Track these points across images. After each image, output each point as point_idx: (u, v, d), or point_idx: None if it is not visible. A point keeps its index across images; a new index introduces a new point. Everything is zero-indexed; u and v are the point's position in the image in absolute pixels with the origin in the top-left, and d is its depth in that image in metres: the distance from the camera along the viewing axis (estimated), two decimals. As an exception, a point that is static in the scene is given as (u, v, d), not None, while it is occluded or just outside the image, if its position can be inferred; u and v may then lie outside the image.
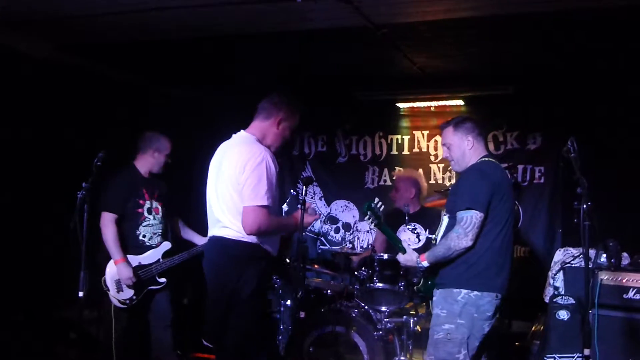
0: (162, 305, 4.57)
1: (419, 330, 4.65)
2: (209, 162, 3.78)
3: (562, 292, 4.33)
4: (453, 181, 6.21)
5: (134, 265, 4.42)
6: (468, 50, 5.13)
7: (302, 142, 6.92)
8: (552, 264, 4.64)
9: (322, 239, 6.79)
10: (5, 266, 4.80)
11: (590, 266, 3.32)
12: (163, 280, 4.52)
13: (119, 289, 4.41)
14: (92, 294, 4.25)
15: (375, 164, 6.71)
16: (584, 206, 3.10)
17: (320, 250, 6.71)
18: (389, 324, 4.63)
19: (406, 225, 5.11)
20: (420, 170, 6.11)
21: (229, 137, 3.80)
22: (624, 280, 4.00)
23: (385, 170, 6.66)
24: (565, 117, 5.73)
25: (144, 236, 4.51)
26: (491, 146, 6.06)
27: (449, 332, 3.44)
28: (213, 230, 3.69)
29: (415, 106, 6.59)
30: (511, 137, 6.17)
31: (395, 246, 3.80)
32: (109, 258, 4.40)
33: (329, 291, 5.10)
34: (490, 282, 3.46)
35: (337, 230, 6.82)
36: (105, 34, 4.84)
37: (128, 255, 4.42)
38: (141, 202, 4.51)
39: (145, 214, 4.52)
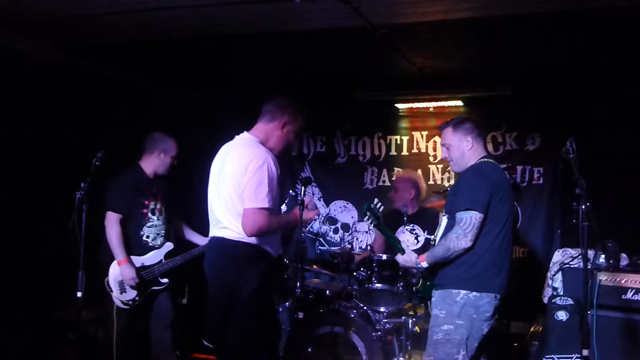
0: (163, 306, 4.57)
1: (418, 330, 4.64)
2: (209, 162, 3.79)
3: (561, 293, 4.34)
4: (452, 182, 6.21)
5: (137, 266, 4.42)
6: (467, 51, 5.14)
7: (301, 142, 6.92)
8: (551, 264, 4.64)
9: (321, 239, 6.78)
10: (5, 266, 4.79)
11: (589, 267, 3.33)
12: (165, 280, 4.52)
13: (122, 290, 4.41)
14: (93, 294, 4.25)
15: (374, 165, 6.71)
16: (583, 207, 3.11)
17: (319, 251, 6.71)
18: (387, 325, 4.63)
19: (405, 226, 5.11)
20: (419, 171, 6.12)
21: (228, 137, 3.80)
22: (623, 281, 4.00)
23: (384, 171, 6.67)
24: (564, 118, 5.73)
25: (147, 237, 4.51)
26: (490, 147, 6.07)
27: (447, 333, 3.44)
28: (214, 231, 3.70)
29: (414, 107, 6.59)
30: (510, 138, 6.18)
31: (394, 247, 3.80)
32: (111, 259, 4.39)
33: (327, 292, 5.10)
34: (489, 283, 3.46)
35: (335, 231, 6.82)
36: (105, 34, 4.85)
37: (131, 256, 4.42)
38: (146, 202, 4.50)
39: (150, 214, 4.52)
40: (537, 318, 4.82)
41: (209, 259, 3.69)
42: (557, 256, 4.63)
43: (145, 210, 4.50)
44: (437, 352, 3.48)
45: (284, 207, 5.05)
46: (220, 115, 6.40)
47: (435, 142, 6.45)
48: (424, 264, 3.58)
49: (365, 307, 4.71)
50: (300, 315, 4.58)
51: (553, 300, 4.22)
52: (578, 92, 5.73)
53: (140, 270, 4.42)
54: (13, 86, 4.96)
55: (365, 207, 3.73)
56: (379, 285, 4.60)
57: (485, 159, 3.63)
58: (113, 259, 4.39)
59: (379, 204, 3.79)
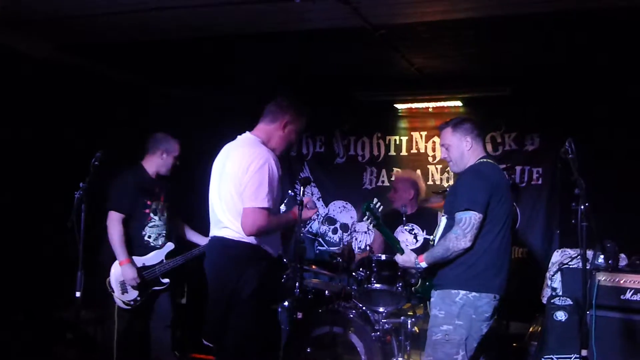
0: (163, 306, 4.57)
1: (417, 331, 4.65)
2: (209, 162, 3.80)
3: (560, 293, 4.34)
4: (451, 182, 6.21)
5: (138, 266, 4.42)
6: (466, 51, 5.14)
7: (300, 142, 6.92)
8: (550, 265, 4.64)
9: (320, 239, 6.79)
10: (5, 266, 4.79)
11: (587, 267, 3.33)
12: (166, 280, 4.53)
13: (124, 291, 4.41)
14: (93, 294, 4.25)
15: (373, 165, 6.72)
16: (582, 207, 3.11)
17: (318, 251, 6.72)
18: (386, 325, 4.63)
19: (404, 226, 5.12)
20: (418, 171, 6.12)
21: (228, 136, 3.81)
22: (622, 281, 4.01)
23: (383, 171, 6.67)
24: (563, 118, 5.74)
25: (149, 237, 4.51)
26: (489, 147, 6.07)
27: (447, 333, 3.44)
28: (214, 231, 3.71)
29: (413, 107, 6.60)
30: (509, 138, 6.18)
31: (393, 247, 3.80)
32: (113, 259, 4.39)
33: (326, 292, 5.10)
34: (488, 283, 3.46)
35: (334, 231, 6.82)
36: (105, 34, 4.85)
37: (132, 256, 4.42)
38: (148, 202, 4.50)
39: (152, 214, 4.52)
40: (536, 318, 4.82)
41: (209, 259, 3.70)
42: (556, 256, 4.63)
43: (147, 211, 4.49)
44: (436, 352, 3.48)
45: (282, 207, 5.06)
46: (220, 115, 6.41)
47: (434, 142, 6.46)
48: (423, 264, 3.58)
49: (364, 307, 4.71)
50: (299, 315, 4.58)
51: (552, 301, 4.23)
52: (577, 93, 5.74)
53: (141, 270, 4.42)
54: (13, 86, 4.96)
55: (365, 207, 3.73)
56: (378, 285, 4.60)
57: (485, 160, 3.64)
58: (114, 259, 4.38)
59: (378, 203, 3.80)
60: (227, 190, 3.58)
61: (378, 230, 3.88)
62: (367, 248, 5.11)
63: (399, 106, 6.61)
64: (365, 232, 6.61)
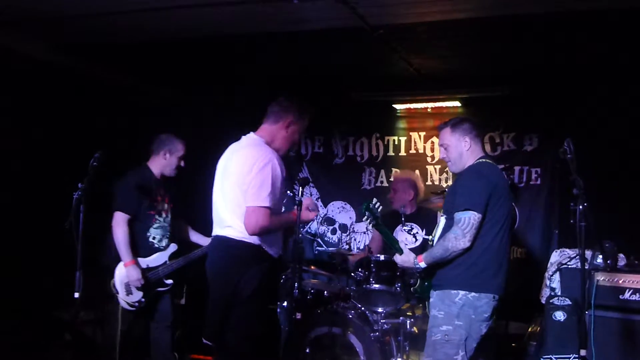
0: (165, 307, 4.57)
1: (416, 331, 4.64)
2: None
3: (559, 293, 4.34)
4: (450, 182, 6.21)
5: (142, 267, 4.41)
6: (464, 52, 5.15)
7: (299, 142, 6.91)
8: (549, 265, 4.65)
9: (319, 240, 6.78)
10: (4, 266, 4.78)
11: (586, 267, 3.33)
12: (170, 281, 4.52)
13: (129, 292, 4.40)
14: (93, 295, 4.24)
15: (372, 165, 6.71)
16: (580, 207, 3.11)
17: (316, 252, 6.72)
18: (385, 325, 4.63)
19: (403, 226, 5.12)
20: (417, 172, 6.12)
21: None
22: (620, 281, 4.01)
23: (382, 172, 6.66)
24: (561, 118, 5.74)
25: (153, 238, 4.50)
26: (487, 147, 6.07)
27: (446, 334, 3.44)
28: (217, 230, 3.74)
29: (411, 107, 6.60)
30: (507, 139, 6.18)
31: (392, 247, 3.80)
32: (117, 261, 4.38)
33: (325, 292, 5.10)
34: (487, 283, 3.46)
35: (333, 232, 6.82)
36: (104, 35, 4.85)
37: (137, 258, 4.41)
38: (153, 203, 4.49)
39: (156, 216, 4.51)
40: (535, 318, 4.82)
41: (211, 258, 3.73)
42: (555, 256, 4.63)
43: (152, 212, 4.49)
44: (436, 352, 3.47)
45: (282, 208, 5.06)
46: (220, 116, 6.41)
47: (433, 142, 6.46)
48: (422, 264, 3.58)
49: (363, 308, 4.71)
50: (298, 315, 4.58)
51: (551, 301, 4.23)
52: (576, 93, 5.74)
53: (145, 271, 4.42)
54: (12, 86, 4.95)
55: (364, 207, 3.73)
56: (376, 285, 4.60)
57: (483, 160, 3.63)
58: (118, 260, 4.38)
59: (378, 203, 3.79)
60: (231, 190, 3.61)
61: (377, 230, 3.88)
62: (366, 249, 5.12)
63: (397, 106, 6.61)
64: (364, 233, 6.61)
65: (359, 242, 6.64)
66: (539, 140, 6.06)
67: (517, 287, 4.05)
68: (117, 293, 4.41)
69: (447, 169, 6.03)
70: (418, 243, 5.05)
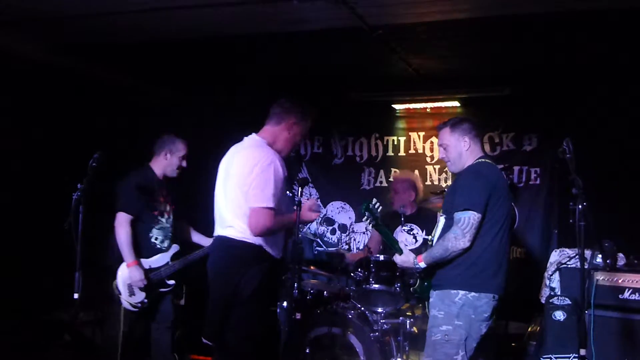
0: (166, 307, 4.57)
1: (416, 331, 4.64)
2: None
3: (558, 293, 4.35)
4: (449, 182, 6.21)
5: (145, 268, 4.41)
6: (464, 52, 5.15)
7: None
8: (548, 264, 4.65)
9: (318, 240, 6.78)
10: (3, 267, 4.78)
11: (586, 267, 3.33)
12: (172, 282, 4.52)
13: (131, 293, 4.39)
14: (93, 296, 4.23)
15: (371, 165, 6.71)
16: (579, 206, 3.11)
17: (316, 252, 6.71)
18: (385, 325, 4.63)
19: (402, 227, 5.12)
20: (416, 172, 6.12)
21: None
22: (620, 281, 4.01)
23: (381, 172, 6.66)
24: (561, 118, 5.74)
25: (155, 239, 4.50)
26: (487, 147, 6.07)
27: (446, 334, 3.44)
28: (218, 230, 3.76)
29: (411, 107, 6.60)
30: (507, 139, 6.18)
31: (392, 247, 3.80)
32: (119, 261, 4.38)
33: (325, 292, 5.10)
34: (487, 283, 3.46)
35: (333, 232, 6.81)
36: (104, 35, 4.84)
37: (139, 259, 4.41)
38: (156, 204, 4.49)
39: (159, 216, 4.51)
40: (535, 318, 4.82)
41: (212, 258, 3.75)
42: (555, 256, 4.63)
43: (155, 212, 4.48)
44: (436, 352, 3.47)
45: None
46: (219, 116, 6.40)
47: (432, 142, 6.46)
48: (422, 264, 3.58)
49: (362, 308, 4.71)
50: (298, 316, 4.57)
51: (551, 300, 4.23)
52: (575, 92, 5.74)
53: (148, 272, 4.41)
54: (12, 87, 4.95)
55: (364, 207, 3.73)
56: (376, 285, 4.60)
57: (483, 160, 3.64)
58: (121, 261, 4.37)
59: (378, 204, 3.80)
60: (232, 190, 3.63)
61: (377, 230, 3.88)
62: (365, 249, 5.12)
63: (396, 106, 6.61)
64: (364, 233, 6.60)
65: (358, 242, 6.64)
66: (538, 140, 6.06)
67: (517, 287, 4.05)
68: (120, 294, 4.41)
69: (446, 169, 6.03)
70: (418, 244, 5.05)
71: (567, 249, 4.60)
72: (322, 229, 6.83)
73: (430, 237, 3.78)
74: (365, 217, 3.74)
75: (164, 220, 4.53)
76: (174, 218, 4.63)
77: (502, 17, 4.20)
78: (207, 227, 4.20)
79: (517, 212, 5.91)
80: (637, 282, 3.97)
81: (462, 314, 3.43)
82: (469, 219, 3.38)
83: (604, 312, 3.98)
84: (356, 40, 4.76)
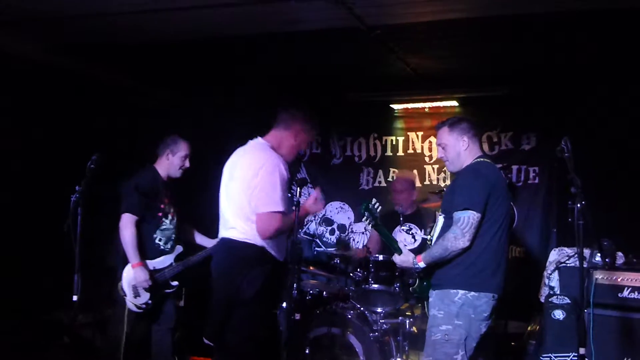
0: (168, 309, 4.57)
1: (415, 331, 4.65)
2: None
3: (558, 292, 4.35)
4: (448, 182, 6.21)
5: (149, 269, 4.40)
6: (462, 52, 5.15)
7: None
8: (548, 263, 4.65)
9: (317, 240, 6.78)
10: (3, 268, 4.77)
11: (585, 266, 3.33)
12: (176, 283, 4.52)
13: (136, 294, 4.38)
14: (93, 297, 4.23)
15: (370, 166, 6.72)
16: (578, 205, 3.11)
17: (315, 252, 6.72)
18: (384, 325, 4.63)
19: (401, 226, 5.12)
20: (415, 172, 6.12)
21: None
22: (619, 280, 4.02)
23: (380, 172, 6.67)
24: (559, 118, 5.74)
25: (159, 240, 4.49)
26: (485, 147, 6.08)
27: (446, 333, 3.44)
28: (222, 232, 3.79)
29: (409, 107, 6.61)
30: (505, 138, 6.19)
31: (391, 247, 3.80)
32: (124, 263, 4.37)
33: (324, 293, 5.10)
34: (487, 283, 3.46)
35: (332, 232, 6.81)
36: (104, 36, 4.84)
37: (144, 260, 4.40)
38: (161, 205, 4.49)
39: (164, 218, 4.51)
40: (534, 317, 4.83)
41: (216, 259, 3.79)
42: (554, 255, 4.63)
43: (160, 214, 4.48)
44: (435, 352, 3.47)
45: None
46: (220, 117, 6.40)
47: (430, 142, 6.46)
48: (422, 264, 3.58)
49: (362, 308, 4.71)
50: (297, 316, 4.57)
51: (550, 299, 4.24)
52: (574, 92, 5.74)
53: (152, 273, 4.41)
54: (12, 87, 4.95)
55: (364, 207, 3.74)
56: (375, 286, 4.60)
57: (482, 159, 3.64)
58: (126, 263, 4.37)
59: (377, 204, 3.80)
60: (236, 193, 3.66)
61: (376, 230, 3.88)
62: (364, 248, 5.12)
63: (395, 106, 6.62)
64: (363, 233, 6.60)
65: (357, 242, 6.64)
66: (536, 139, 6.07)
67: (516, 286, 4.06)
68: (125, 295, 4.40)
69: (445, 168, 6.03)
70: (417, 243, 5.05)
71: (566, 248, 4.60)
72: (321, 229, 6.83)
73: (429, 237, 3.78)
74: (365, 218, 3.74)
75: (167, 221, 4.53)
76: (178, 219, 4.63)
77: (501, 16, 4.20)
78: (207, 228, 4.21)
79: (516, 212, 5.93)
80: (636, 280, 3.97)
81: (462, 313, 3.43)
82: (468, 218, 3.38)
83: (603, 311, 3.98)
84: (354, 41, 4.76)
